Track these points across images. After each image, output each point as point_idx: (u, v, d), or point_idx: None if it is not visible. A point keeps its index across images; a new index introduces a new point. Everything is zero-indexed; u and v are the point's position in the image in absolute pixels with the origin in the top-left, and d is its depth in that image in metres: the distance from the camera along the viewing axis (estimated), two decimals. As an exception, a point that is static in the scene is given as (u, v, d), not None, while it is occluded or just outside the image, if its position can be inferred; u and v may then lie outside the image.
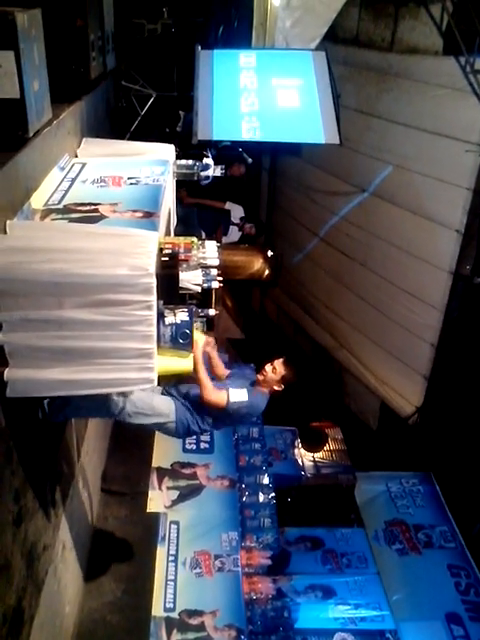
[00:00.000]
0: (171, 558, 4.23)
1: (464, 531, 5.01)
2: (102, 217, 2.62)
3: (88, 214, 2.63)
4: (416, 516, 5.14)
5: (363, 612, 4.24)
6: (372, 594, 4.36)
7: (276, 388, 3.39)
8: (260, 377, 3.41)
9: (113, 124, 5.71)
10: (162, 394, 3.28)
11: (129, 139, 5.65)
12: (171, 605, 3.98)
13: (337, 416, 6.61)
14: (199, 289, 2.83)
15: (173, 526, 4.44)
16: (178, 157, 3.60)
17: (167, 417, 3.20)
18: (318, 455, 5.77)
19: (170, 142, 3.71)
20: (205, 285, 2.84)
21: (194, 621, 3.90)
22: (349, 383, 7.45)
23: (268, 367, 3.40)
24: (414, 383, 6.37)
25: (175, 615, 3.92)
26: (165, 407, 3.20)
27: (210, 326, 3.35)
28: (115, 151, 3.49)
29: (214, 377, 3.36)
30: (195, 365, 3.02)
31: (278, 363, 3.41)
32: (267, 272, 6.60)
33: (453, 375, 5.93)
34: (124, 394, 2.96)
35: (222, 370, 3.44)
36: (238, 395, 3.23)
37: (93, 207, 2.68)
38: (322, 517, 5.15)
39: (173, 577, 4.14)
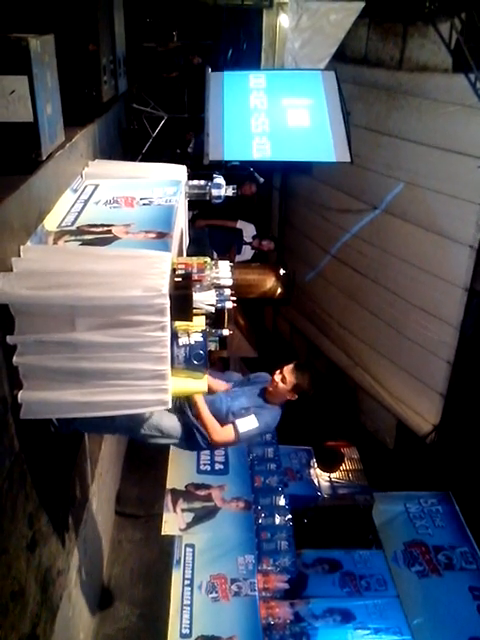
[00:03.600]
0: (187, 582, 4.16)
1: (486, 552, 4.89)
2: (115, 238, 2.62)
3: (101, 235, 2.64)
4: (436, 537, 5.02)
5: (383, 637, 4.14)
6: (392, 618, 4.26)
7: (289, 398, 3.15)
8: (270, 389, 3.17)
9: (125, 146, 5.77)
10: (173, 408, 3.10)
11: (141, 161, 5.70)
12: (187, 631, 3.90)
13: (353, 435, 6.54)
14: (213, 309, 2.82)
15: (188, 549, 4.38)
16: (190, 178, 3.61)
17: (176, 438, 3.11)
18: (334, 475, 5.69)
19: (181, 163, 3.74)
20: (219, 305, 2.82)
21: (211, 648, 3.83)
22: (364, 401, 7.37)
23: (277, 376, 3.14)
24: (431, 401, 6.28)
25: (192, 642, 3.85)
26: (173, 428, 3.07)
27: (223, 345, 3.32)
28: (124, 172, 3.50)
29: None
30: (198, 411, 2.99)
31: (287, 371, 3.13)
32: (280, 290, 6.57)
33: (471, 392, 5.84)
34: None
35: (224, 386, 3.29)
36: (247, 424, 3.04)
37: (106, 228, 2.68)
38: (339, 539, 5.06)
39: (189, 602, 4.07)
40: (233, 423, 3.03)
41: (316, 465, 5.69)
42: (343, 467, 5.82)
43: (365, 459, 5.87)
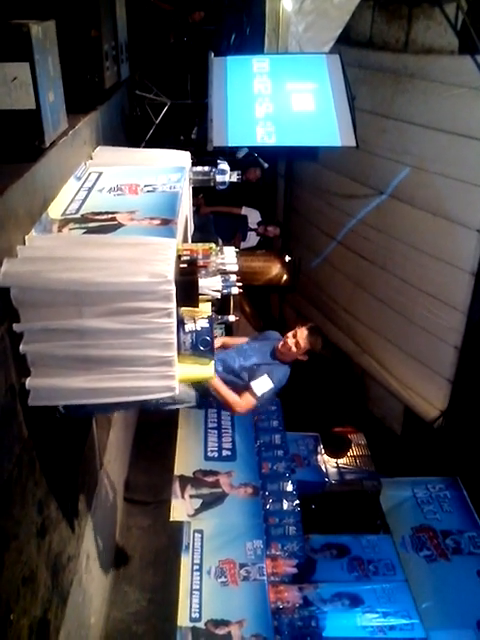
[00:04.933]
0: (196, 567, 4.20)
1: (493, 537, 4.90)
2: (120, 225, 2.62)
3: (106, 223, 2.63)
4: (443, 522, 5.04)
5: (392, 620, 4.16)
6: (401, 602, 4.29)
7: (300, 359, 3.20)
8: (281, 349, 3.20)
9: (128, 133, 5.75)
10: None
11: (144, 147, 5.67)
12: (197, 615, 3.94)
13: (360, 421, 6.54)
14: (219, 295, 2.82)
15: (197, 535, 4.41)
16: (194, 164, 3.60)
17: (189, 403, 3.14)
18: (342, 461, 5.71)
19: (185, 150, 3.72)
20: (224, 291, 2.82)
21: (221, 631, 3.86)
22: (372, 388, 7.36)
23: (290, 339, 3.18)
24: (438, 387, 6.26)
25: (201, 625, 3.88)
26: (185, 393, 3.07)
27: (229, 332, 3.34)
28: (128, 159, 3.49)
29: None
30: (216, 389, 3.04)
31: (301, 334, 3.17)
32: (285, 277, 6.58)
33: (478, 378, 5.82)
34: None
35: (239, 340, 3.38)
36: (262, 386, 3.09)
37: (110, 216, 2.68)
38: (347, 524, 5.08)
39: (198, 586, 4.10)
40: (249, 388, 3.08)
41: (323, 451, 5.71)
42: (350, 453, 5.83)
43: (372, 445, 5.88)
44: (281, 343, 3.22)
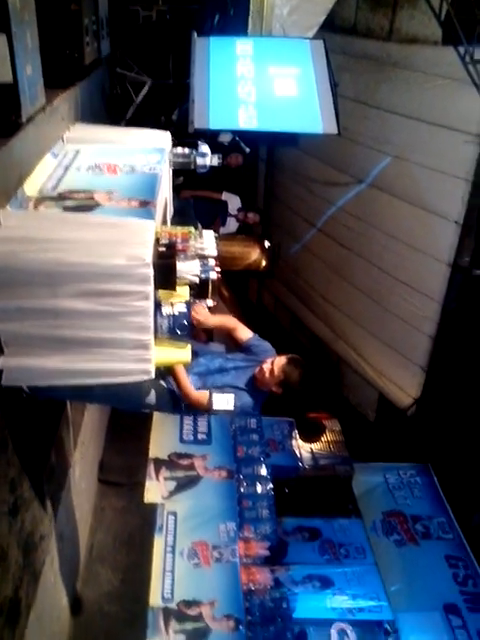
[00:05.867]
0: (169, 548, 4.23)
1: (462, 522, 5.01)
2: (97, 205, 2.59)
3: (83, 202, 2.60)
4: (414, 507, 5.13)
5: (361, 602, 4.24)
6: (370, 585, 4.36)
7: (274, 391, 2.98)
8: (258, 376, 3.00)
9: (108, 111, 5.67)
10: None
11: (124, 127, 5.59)
12: (169, 595, 3.97)
13: (335, 408, 6.61)
14: (197, 279, 2.81)
15: (170, 517, 4.44)
16: (174, 146, 3.56)
17: (152, 406, 3.09)
18: (316, 446, 5.76)
19: (166, 131, 3.67)
20: (203, 276, 2.81)
21: (192, 611, 3.90)
22: (347, 375, 7.44)
23: (266, 366, 2.96)
24: (412, 375, 6.36)
25: (173, 605, 3.92)
26: (150, 396, 3.01)
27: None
28: (107, 137, 3.43)
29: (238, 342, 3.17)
30: (176, 375, 2.93)
31: (278, 364, 2.95)
32: (264, 263, 6.56)
33: (451, 367, 5.92)
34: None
35: (246, 334, 3.17)
36: (222, 402, 2.93)
37: (88, 195, 2.64)
38: (320, 508, 5.14)
39: (171, 567, 4.13)
40: (210, 393, 2.95)
41: (298, 436, 5.75)
42: (324, 438, 5.88)
43: (346, 431, 5.94)
44: (258, 369, 3.02)
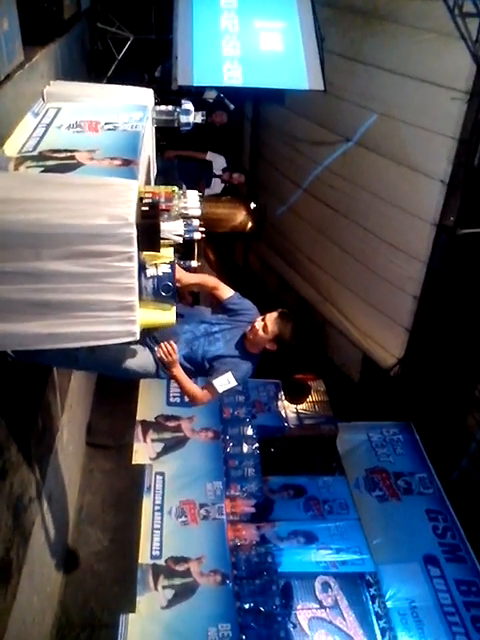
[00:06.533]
0: (157, 508, 4.31)
1: (442, 477, 5.15)
2: (79, 164, 2.52)
3: (64, 161, 2.53)
4: (396, 464, 5.26)
5: (344, 556, 4.39)
6: (353, 539, 4.50)
7: (268, 348, 3.00)
8: (249, 336, 2.99)
9: (89, 68, 5.50)
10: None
11: (106, 84, 5.44)
12: (157, 553, 4.08)
13: (320, 368, 6.68)
14: (181, 240, 2.77)
15: (158, 477, 4.52)
16: (157, 104, 3.46)
17: (138, 374, 3.05)
18: (301, 407, 5.84)
19: (148, 88, 3.57)
20: (187, 236, 2.77)
21: (180, 567, 4.01)
22: (332, 336, 7.49)
23: (258, 323, 2.96)
24: (396, 335, 6.41)
25: (162, 562, 4.03)
26: (137, 366, 2.96)
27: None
28: (88, 95, 3.32)
29: (219, 301, 3.13)
30: (178, 380, 2.94)
31: (271, 319, 2.96)
32: (250, 225, 6.50)
33: (434, 327, 5.98)
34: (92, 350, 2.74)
35: (226, 292, 3.14)
36: (224, 384, 2.94)
37: (69, 154, 2.57)
38: (305, 466, 5.26)
39: (159, 526, 4.23)
40: (211, 385, 2.96)
41: (283, 397, 5.82)
42: (310, 399, 5.97)
43: (331, 391, 6.03)
44: (249, 329, 3.00)
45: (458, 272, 5.63)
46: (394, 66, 5.63)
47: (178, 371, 2.93)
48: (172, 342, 2.86)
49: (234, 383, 2.96)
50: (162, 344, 2.86)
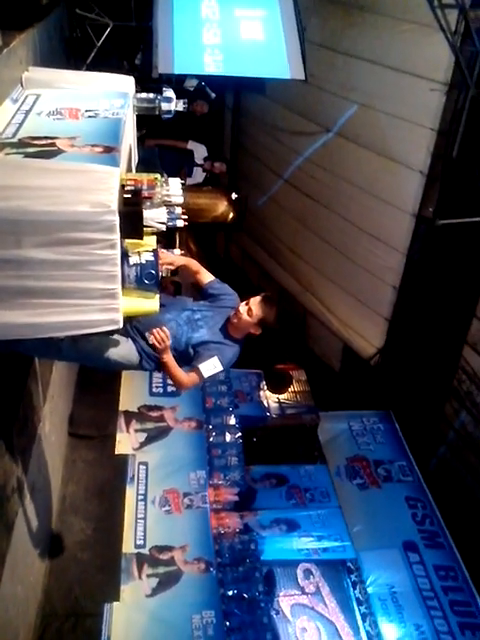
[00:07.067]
0: (140, 497, 4.32)
1: (421, 465, 5.24)
2: (60, 151, 2.49)
3: (45, 148, 2.50)
4: (376, 452, 5.33)
5: (325, 543, 4.44)
6: (334, 526, 4.56)
7: (252, 332, 3.01)
8: (233, 321, 3.00)
9: (68, 55, 5.42)
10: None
11: (85, 71, 5.37)
12: (141, 542, 4.09)
13: (301, 359, 6.71)
14: (164, 228, 2.76)
15: (142, 467, 4.52)
16: (138, 91, 3.44)
17: (121, 365, 3.02)
18: (283, 397, 5.87)
19: (129, 75, 3.54)
20: (170, 224, 2.77)
21: (164, 556, 4.03)
22: (313, 326, 7.54)
23: (242, 307, 2.98)
24: (376, 325, 6.47)
25: (146, 551, 4.04)
26: (119, 356, 2.93)
27: (175, 271, 3.25)
28: (67, 82, 3.28)
29: (199, 284, 3.15)
30: (167, 365, 2.91)
31: (255, 303, 2.98)
32: (231, 215, 6.50)
33: (413, 317, 6.05)
34: (74, 340, 2.73)
35: (207, 277, 3.18)
36: (210, 368, 2.95)
37: (50, 141, 2.54)
38: (287, 455, 5.30)
39: (143, 515, 4.24)
40: (197, 369, 2.95)
41: (266, 387, 5.85)
42: (291, 389, 6.00)
43: (312, 381, 6.06)
44: (233, 314, 3.02)
45: (437, 263, 5.70)
46: (374, 57, 5.65)
47: (169, 358, 2.91)
48: (165, 328, 2.85)
49: (220, 368, 2.96)
50: (154, 330, 2.83)
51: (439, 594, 4.26)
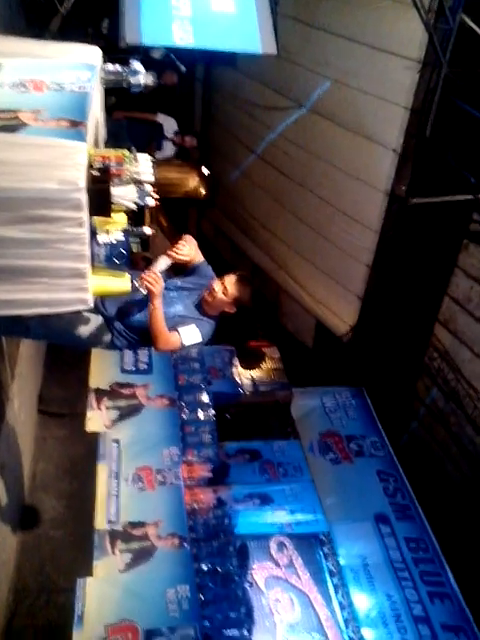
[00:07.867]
0: (113, 474, 4.31)
1: (393, 441, 5.32)
2: (24, 125, 2.40)
3: (7, 122, 2.41)
4: (348, 428, 5.39)
5: (298, 517, 4.49)
6: (307, 500, 4.61)
7: (227, 311, 3.01)
8: (208, 298, 2.99)
9: (29, 22, 5.20)
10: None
11: (48, 39, 5.17)
12: (114, 518, 4.08)
13: (274, 335, 6.73)
14: (133, 206, 2.72)
15: (114, 444, 4.50)
16: (105, 62, 3.33)
17: (90, 342, 3.02)
18: (256, 373, 5.88)
19: (94, 44, 3.41)
20: (139, 202, 2.72)
21: (138, 532, 4.03)
22: (286, 303, 7.55)
23: (217, 285, 2.97)
24: (349, 303, 6.52)
25: (119, 527, 4.04)
26: (88, 332, 2.92)
27: (146, 246, 3.22)
28: (28, 51, 3.16)
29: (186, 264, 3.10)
30: (155, 316, 2.84)
31: (229, 281, 2.98)
32: (203, 191, 6.43)
33: (386, 295, 6.10)
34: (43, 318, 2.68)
35: (199, 257, 3.15)
36: (191, 336, 2.91)
37: (13, 114, 2.44)
38: (260, 431, 5.34)
39: (116, 492, 4.23)
40: (177, 331, 2.90)
41: (239, 364, 5.86)
42: (264, 366, 6.02)
43: (285, 358, 6.09)
44: (207, 292, 3.00)
45: (409, 241, 5.73)
46: (348, 33, 5.58)
47: (159, 303, 2.84)
48: (154, 270, 2.81)
49: (199, 339, 2.93)
50: (146, 274, 2.79)
51: (410, 565, 4.34)
